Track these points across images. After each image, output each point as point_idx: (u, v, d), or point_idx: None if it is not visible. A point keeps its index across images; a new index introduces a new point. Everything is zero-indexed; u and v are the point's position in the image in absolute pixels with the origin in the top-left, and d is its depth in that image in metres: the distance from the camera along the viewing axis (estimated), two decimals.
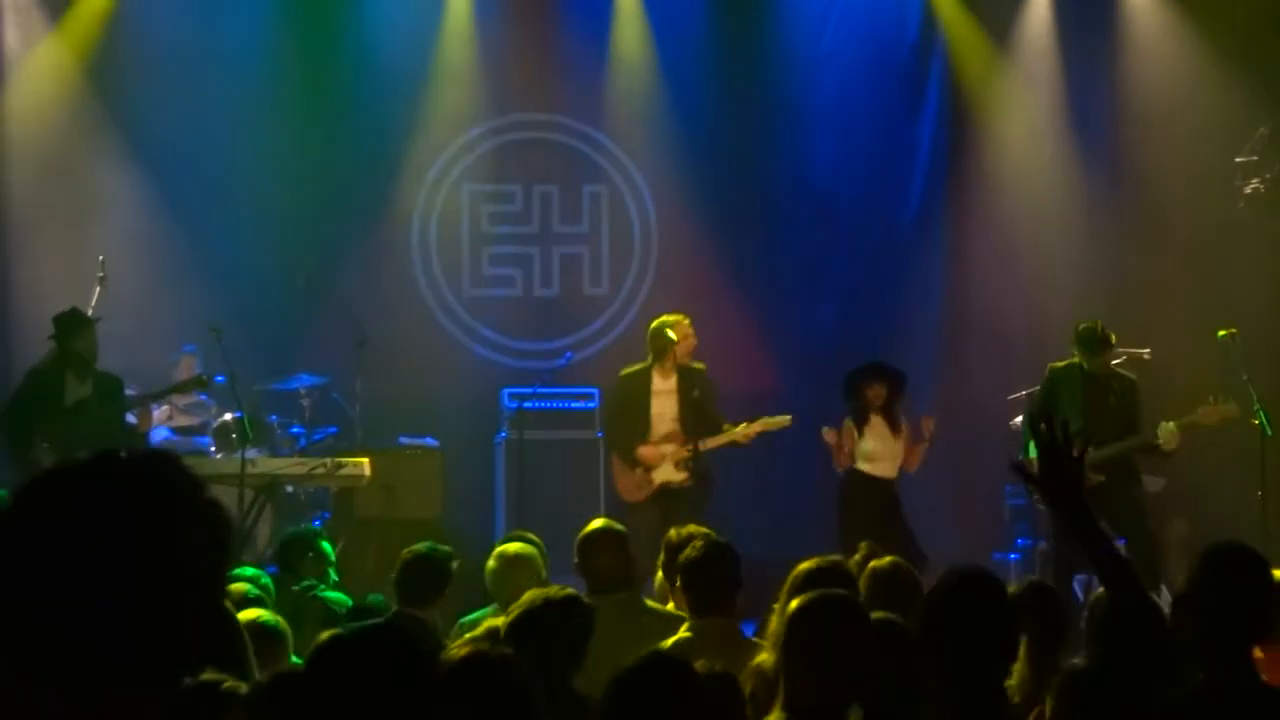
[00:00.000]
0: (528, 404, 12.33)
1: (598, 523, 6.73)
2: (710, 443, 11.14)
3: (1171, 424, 10.29)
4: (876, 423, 11.15)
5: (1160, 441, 10.29)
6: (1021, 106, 13.96)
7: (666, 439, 11.16)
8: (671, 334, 11.11)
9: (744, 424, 11.17)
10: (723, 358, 12.81)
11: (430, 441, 12.44)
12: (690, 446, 11.04)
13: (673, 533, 6.73)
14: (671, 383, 11.20)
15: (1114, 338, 10.58)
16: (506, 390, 12.80)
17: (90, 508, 1.85)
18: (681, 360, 11.21)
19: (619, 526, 6.69)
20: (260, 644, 4.93)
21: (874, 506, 10.93)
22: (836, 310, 13.79)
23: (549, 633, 4.92)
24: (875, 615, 4.37)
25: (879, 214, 13.93)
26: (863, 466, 11.10)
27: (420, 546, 6.83)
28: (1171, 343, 12.17)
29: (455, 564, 6.83)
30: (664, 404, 11.18)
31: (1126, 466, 10.47)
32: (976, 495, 12.94)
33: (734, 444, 11.20)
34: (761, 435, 11.26)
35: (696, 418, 11.12)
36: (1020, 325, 13.41)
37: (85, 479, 1.88)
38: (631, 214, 14.02)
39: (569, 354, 12.93)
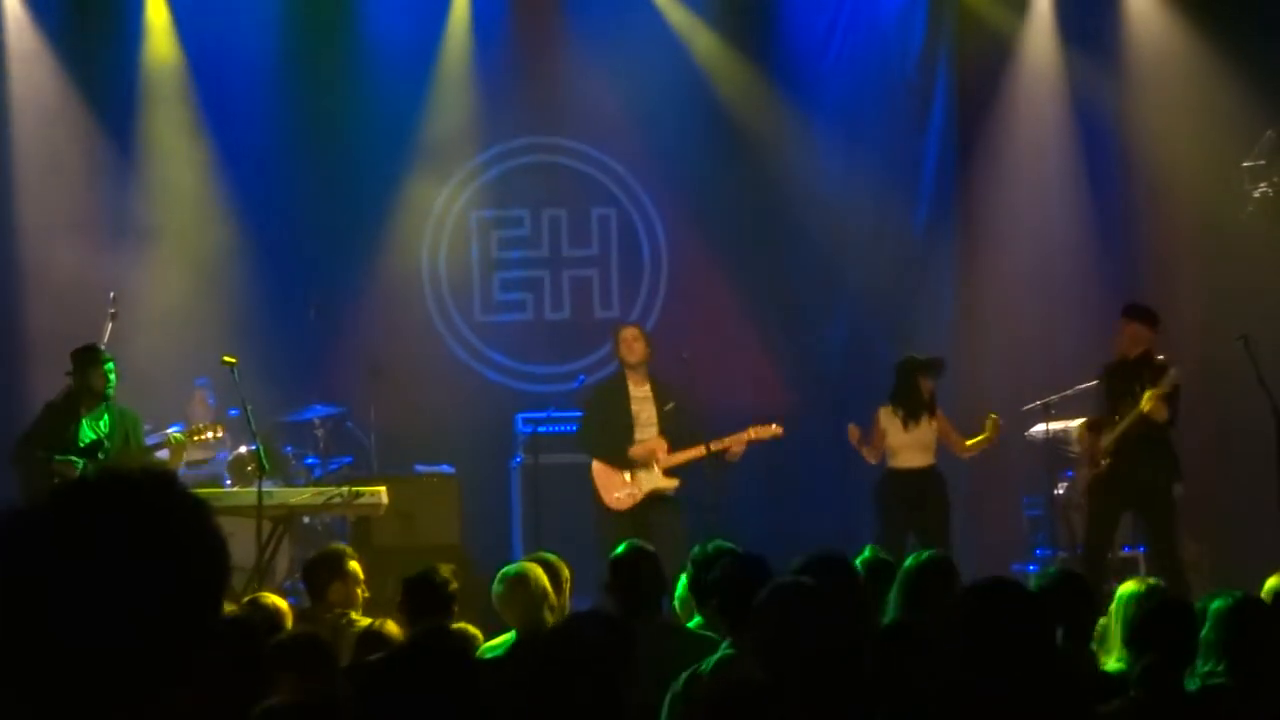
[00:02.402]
0: (542, 428, 12.32)
1: (629, 544, 6.70)
2: (688, 454, 11.05)
3: (1151, 390, 10.39)
4: (901, 415, 11.14)
5: (1146, 409, 10.36)
6: (1027, 117, 13.93)
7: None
8: (623, 342, 11.26)
9: (731, 436, 11.01)
10: (734, 376, 12.87)
11: (446, 468, 12.40)
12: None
13: (698, 549, 6.70)
14: (646, 390, 11.22)
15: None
16: (520, 415, 12.80)
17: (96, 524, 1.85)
18: (638, 365, 11.21)
19: (651, 547, 6.67)
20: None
21: (899, 501, 10.96)
22: (848, 325, 13.77)
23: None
24: None
25: (888, 227, 13.90)
26: (890, 463, 11.15)
27: (421, 570, 6.83)
28: (1182, 348, 12.14)
29: (454, 586, 6.78)
30: (642, 409, 11.15)
31: (1167, 464, 10.56)
32: (994, 506, 12.92)
33: (720, 456, 11.01)
34: (769, 446, 11.19)
35: (674, 430, 11.09)
36: (1032, 336, 13.38)
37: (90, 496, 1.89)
38: (640, 235, 14.01)
39: (582, 377, 12.88)
